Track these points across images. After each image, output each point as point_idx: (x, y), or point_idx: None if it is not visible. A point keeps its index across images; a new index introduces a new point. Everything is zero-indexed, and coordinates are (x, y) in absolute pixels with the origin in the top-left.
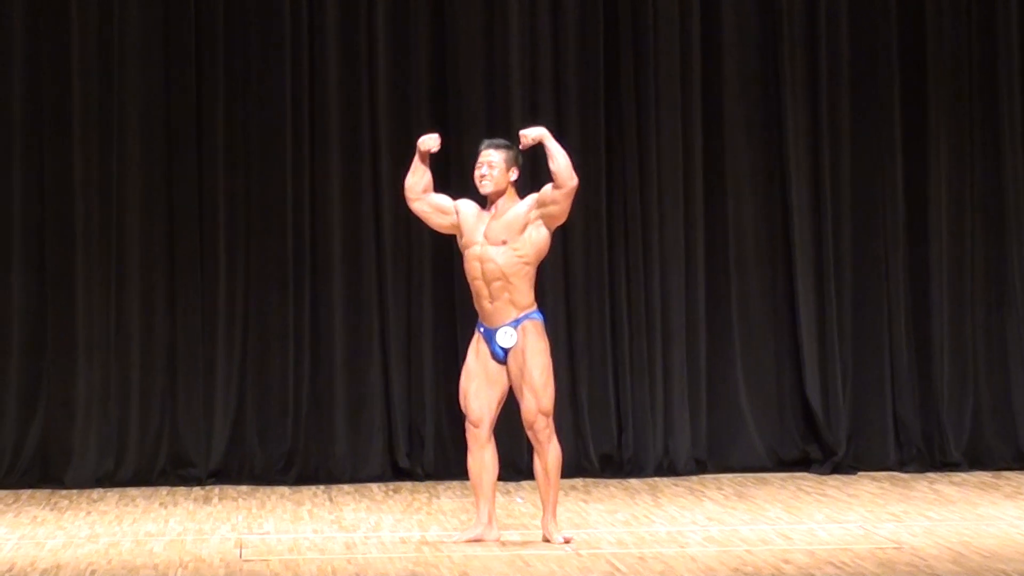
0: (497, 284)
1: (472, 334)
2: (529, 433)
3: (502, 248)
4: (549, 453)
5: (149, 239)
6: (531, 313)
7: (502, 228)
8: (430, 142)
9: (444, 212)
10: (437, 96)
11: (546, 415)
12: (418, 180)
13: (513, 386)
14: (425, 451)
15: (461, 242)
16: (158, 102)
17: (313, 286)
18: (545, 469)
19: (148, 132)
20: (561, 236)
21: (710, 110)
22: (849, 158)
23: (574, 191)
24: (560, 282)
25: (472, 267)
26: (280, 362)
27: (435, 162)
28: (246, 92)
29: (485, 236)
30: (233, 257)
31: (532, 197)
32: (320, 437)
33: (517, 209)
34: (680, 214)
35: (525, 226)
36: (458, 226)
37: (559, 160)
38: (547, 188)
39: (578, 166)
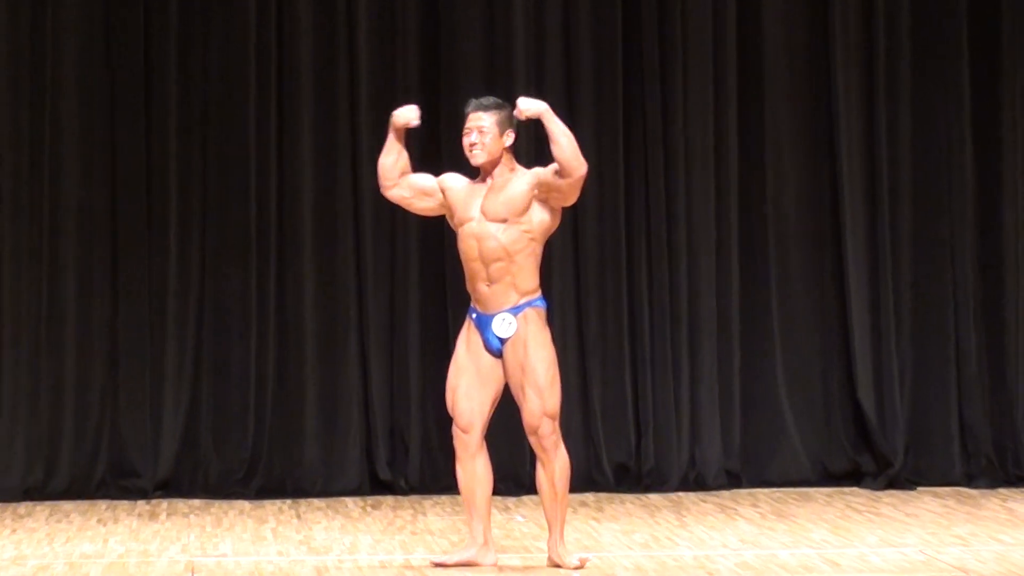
0: (498, 265)
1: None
2: (532, 439)
3: (503, 225)
4: (555, 463)
5: (87, 209)
6: (534, 300)
7: (502, 205)
8: (407, 114)
9: (427, 194)
10: (427, 45)
11: (552, 418)
12: (394, 162)
13: (511, 384)
14: (410, 460)
15: (453, 221)
16: (98, 47)
17: (280, 264)
18: (551, 482)
19: (87, 82)
20: (571, 211)
21: (747, 65)
22: (909, 121)
23: (582, 179)
24: (570, 265)
25: (468, 246)
26: (240, 354)
27: (423, 130)
28: (204, 36)
29: (482, 211)
30: (186, 230)
31: (534, 173)
32: (287, 443)
33: (517, 185)
34: (711, 187)
35: (527, 206)
36: (447, 206)
37: (563, 145)
38: (549, 172)
39: (592, 130)
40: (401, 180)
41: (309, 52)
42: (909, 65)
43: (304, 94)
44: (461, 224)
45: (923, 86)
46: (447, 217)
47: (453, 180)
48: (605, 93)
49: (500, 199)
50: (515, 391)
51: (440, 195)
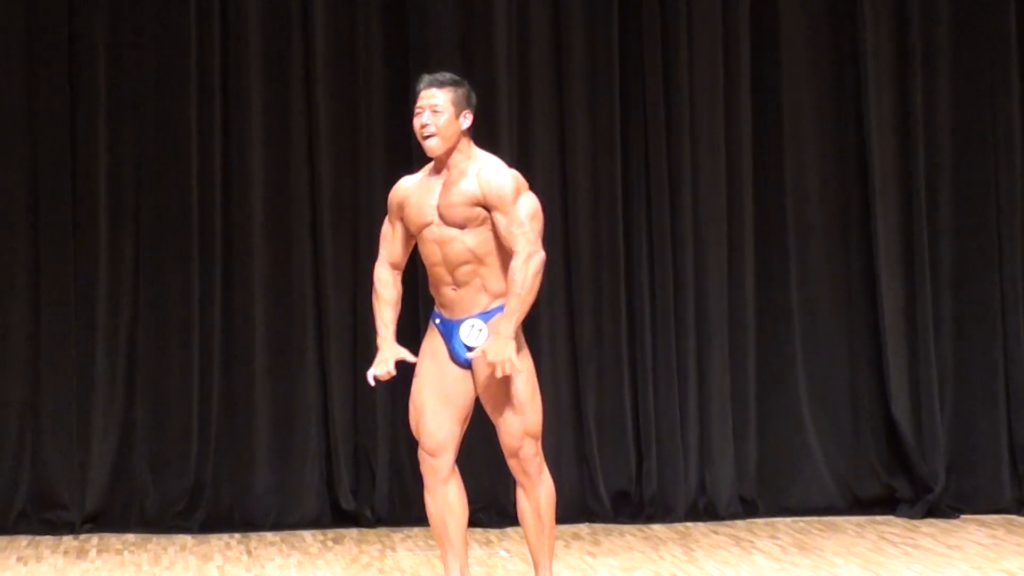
0: (465, 268)
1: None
2: (511, 463)
3: (464, 230)
4: (540, 489)
5: (2, 201)
6: None
7: (456, 211)
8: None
9: (406, 237)
10: (393, 15)
11: (535, 438)
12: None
13: (484, 400)
14: (376, 487)
15: (412, 227)
16: (15, 12)
17: (226, 264)
18: (536, 511)
19: (1, 52)
20: (560, 196)
21: (761, 27)
22: (948, 89)
23: None
24: (558, 260)
25: (430, 251)
26: (181, 367)
27: (387, 116)
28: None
29: (439, 214)
30: (117, 223)
31: (486, 191)
32: (235, 468)
33: (466, 187)
34: (720, 167)
35: (482, 216)
36: (406, 223)
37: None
38: (503, 222)
39: (584, 103)
40: (398, 263)
41: (258, 21)
42: (948, 25)
43: (252, 70)
44: (419, 231)
45: (965, 50)
46: None
47: (404, 189)
48: (598, 60)
49: (455, 199)
50: (489, 408)
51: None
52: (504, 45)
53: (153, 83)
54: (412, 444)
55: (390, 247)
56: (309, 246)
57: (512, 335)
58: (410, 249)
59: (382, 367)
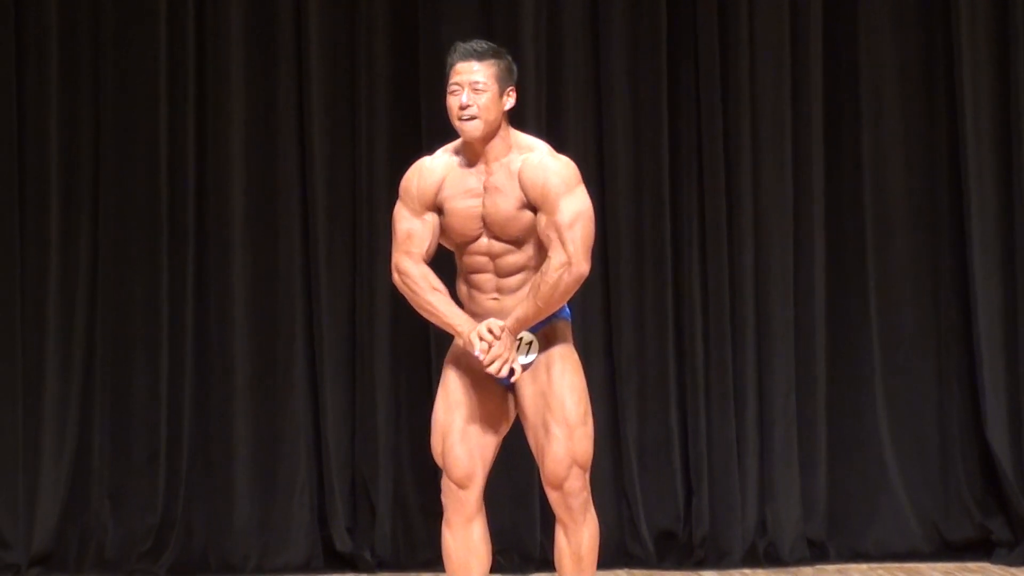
0: (518, 276)
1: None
2: (553, 497)
3: (520, 244)
4: (583, 530)
5: None
6: (560, 311)
7: (510, 223)
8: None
9: (439, 228)
10: None
11: (583, 468)
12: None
13: (528, 423)
14: (377, 525)
15: (454, 236)
16: None
17: (200, 258)
18: (576, 556)
19: None
20: (597, 186)
21: None
22: None
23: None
24: (595, 258)
25: (474, 262)
26: (146, 382)
27: (395, 94)
28: None
29: (486, 223)
30: (73, 211)
31: (531, 182)
32: (210, 502)
33: (511, 191)
34: (786, 148)
35: (529, 226)
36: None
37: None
38: (543, 230)
39: (624, 73)
40: (430, 258)
41: None
42: None
43: (233, 33)
44: (464, 243)
45: None
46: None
47: (432, 182)
48: (641, 17)
49: (503, 211)
50: (533, 431)
51: (437, 216)
52: (531, 14)
53: (114, 46)
54: (419, 474)
55: (420, 243)
56: (299, 240)
57: (516, 335)
58: (432, 242)
59: (480, 341)
